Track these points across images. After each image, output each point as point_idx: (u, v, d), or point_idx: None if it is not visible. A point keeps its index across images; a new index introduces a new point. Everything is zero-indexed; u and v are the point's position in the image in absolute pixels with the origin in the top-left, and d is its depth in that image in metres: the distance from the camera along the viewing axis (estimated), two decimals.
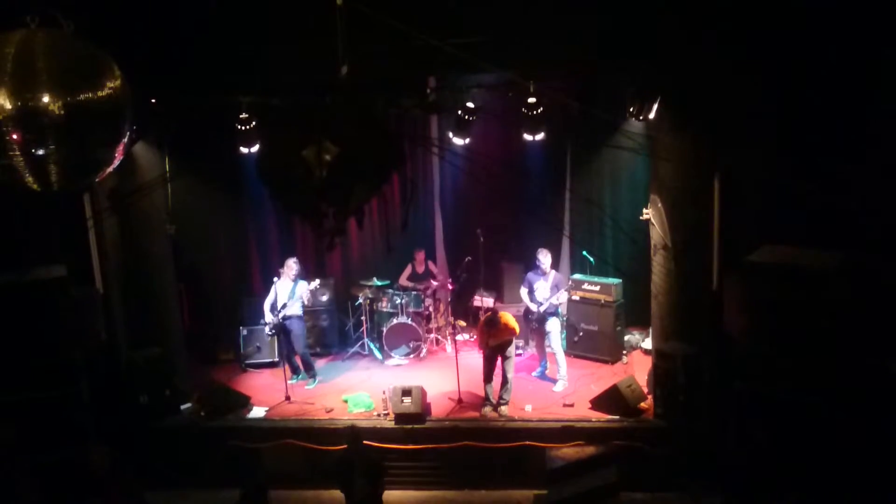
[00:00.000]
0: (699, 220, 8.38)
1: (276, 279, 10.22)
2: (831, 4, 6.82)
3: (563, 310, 10.99)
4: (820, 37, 6.90)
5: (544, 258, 9.83)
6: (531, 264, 10.16)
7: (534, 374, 10.32)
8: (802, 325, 6.66)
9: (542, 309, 9.76)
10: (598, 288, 10.70)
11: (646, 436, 8.67)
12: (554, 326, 9.85)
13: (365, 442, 8.55)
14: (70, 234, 8.71)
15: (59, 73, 3.87)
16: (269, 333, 10.28)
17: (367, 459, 7.51)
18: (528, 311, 10.08)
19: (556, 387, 9.82)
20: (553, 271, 9.95)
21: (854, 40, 6.78)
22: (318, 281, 10.53)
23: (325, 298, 10.50)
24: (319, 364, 11.01)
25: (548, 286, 9.77)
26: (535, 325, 10.00)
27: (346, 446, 7.76)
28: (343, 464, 7.56)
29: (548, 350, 10.06)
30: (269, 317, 10.00)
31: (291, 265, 10.14)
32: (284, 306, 9.97)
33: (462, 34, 7.06)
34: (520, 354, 11.04)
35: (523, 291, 10.06)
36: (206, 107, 8.70)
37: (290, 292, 10.00)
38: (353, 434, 7.68)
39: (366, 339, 11.51)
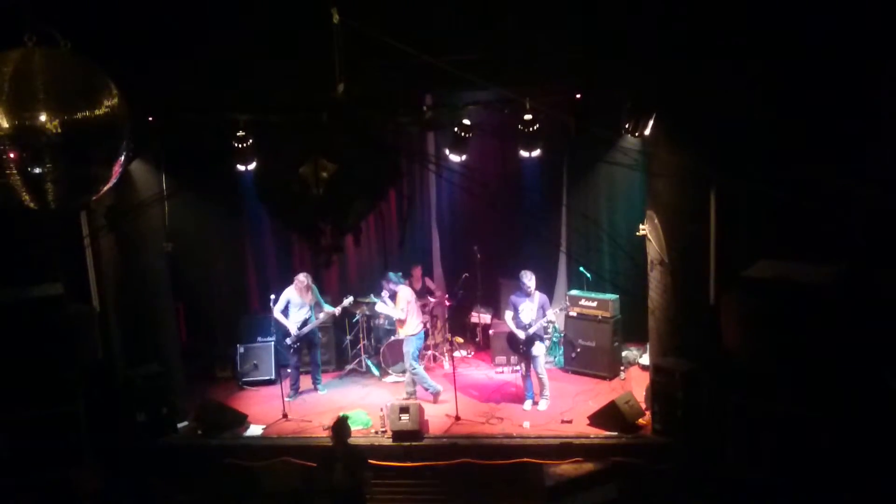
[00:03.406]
0: (695, 236, 8.39)
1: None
2: (831, 18, 6.84)
3: (559, 325, 10.99)
4: (819, 50, 6.92)
5: (528, 280, 9.54)
6: (516, 286, 9.85)
7: (524, 406, 9.84)
8: (800, 340, 6.65)
9: (531, 331, 9.51)
10: (595, 304, 10.69)
11: (644, 452, 8.65)
12: (540, 351, 9.66)
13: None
14: (67, 252, 8.69)
15: (56, 92, 3.87)
16: (293, 344, 10.36)
17: (350, 450, 7.50)
18: (511, 335, 9.77)
19: (540, 406, 9.73)
20: (538, 292, 9.67)
21: (853, 54, 6.81)
22: (351, 298, 10.74)
23: (322, 315, 10.53)
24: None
25: (534, 307, 9.55)
26: (522, 348, 9.66)
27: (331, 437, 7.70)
28: (325, 451, 7.62)
29: (526, 372, 9.85)
30: (292, 328, 10.14)
31: (302, 280, 10.27)
32: (307, 322, 10.19)
33: (458, 51, 7.10)
34: (517, 371, 10.94)
35: (508, 315, 9.75)
36: (203, 124, 8.71)
37: (310, 307, 10.19)
38: (339, 424, 7.60)
39: (363, 356, 11.49)
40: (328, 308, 10.40)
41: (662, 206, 9.04)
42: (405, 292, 10.15)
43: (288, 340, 10.26)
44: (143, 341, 9.70)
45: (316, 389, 10.64)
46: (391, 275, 10.20)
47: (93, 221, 8.91)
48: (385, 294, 10.20)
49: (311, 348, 10.58)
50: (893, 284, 6.53)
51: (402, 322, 10.11)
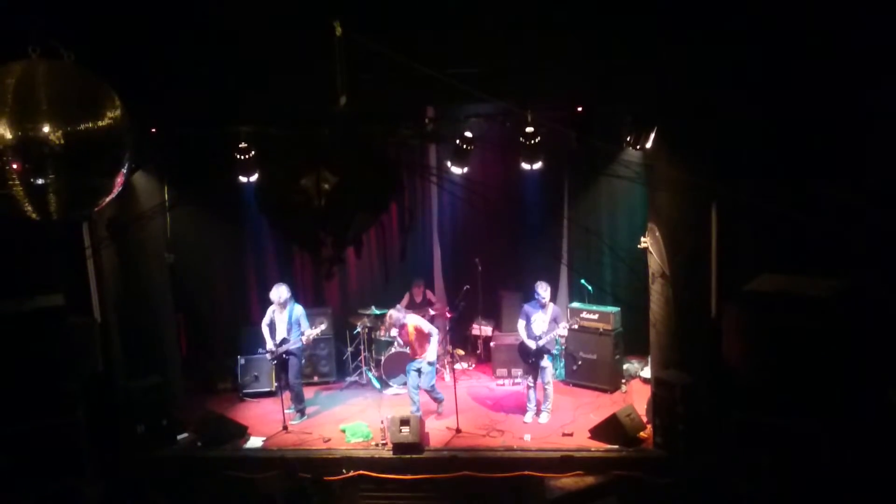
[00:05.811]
0: (697, 249, 8.38)
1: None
2: (829, 33, 6.87)
3: (561, 340, 10.95)
4: (819, 63, 6.94)
5: (543, 291, 9.50)
6: (529, 294, 9.87)
7: (525, 419, 9.77)
8: (801, 354, 6.64)
9: (541, 343, 9.46)
10: (596, 316, 10.67)
11: (645, 465, 8.61)
12: (548, 362, 9.60)
13: (363, 472, 8.57)
14: (68, 263, 8.70)
15: (59, 104, 3.90)
16: (271, 361, 10.25)
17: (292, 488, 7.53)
18: (522, 345, 9.69)
19: (541, 419, 9.69)
20: (551, 304, 9.67)
21: (852, 68, 6.82)
22: (323, 326, 10.35)
23: (323, 328, 10.47)
24: (318, 393, 11.03)
25: (547, 319, 9.51)
26: (531, 359, 9.60)
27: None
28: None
29: (539, 384, 9.76)
30: (269, 343, 9.95)
31: (281, 292, 9.92)
32: (285, 340, 9.89)
33: (460, 64, 7.12)
34: (519, 383, 10.94)
35: (521, 325, 9.69)
36: (205, 136, 8.73)
37: (288, 322, 9.94)
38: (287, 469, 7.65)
39: (364, 368, 11.47)
40: (306, 330, 9.95)
41: (664, 218, 9.04)
42: (417, 319, 9.89)
43: (268, 356, 10.15)
44: (143, 352, 9.69)
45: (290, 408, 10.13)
46: (392, 312, 9.86)
47: (94, 232, 8.92)
48: (394, 331, 9.95)
49: (284, 369, 10.05)
50: (894, 297, 6.53)
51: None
